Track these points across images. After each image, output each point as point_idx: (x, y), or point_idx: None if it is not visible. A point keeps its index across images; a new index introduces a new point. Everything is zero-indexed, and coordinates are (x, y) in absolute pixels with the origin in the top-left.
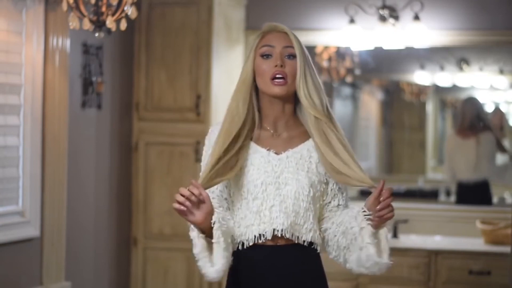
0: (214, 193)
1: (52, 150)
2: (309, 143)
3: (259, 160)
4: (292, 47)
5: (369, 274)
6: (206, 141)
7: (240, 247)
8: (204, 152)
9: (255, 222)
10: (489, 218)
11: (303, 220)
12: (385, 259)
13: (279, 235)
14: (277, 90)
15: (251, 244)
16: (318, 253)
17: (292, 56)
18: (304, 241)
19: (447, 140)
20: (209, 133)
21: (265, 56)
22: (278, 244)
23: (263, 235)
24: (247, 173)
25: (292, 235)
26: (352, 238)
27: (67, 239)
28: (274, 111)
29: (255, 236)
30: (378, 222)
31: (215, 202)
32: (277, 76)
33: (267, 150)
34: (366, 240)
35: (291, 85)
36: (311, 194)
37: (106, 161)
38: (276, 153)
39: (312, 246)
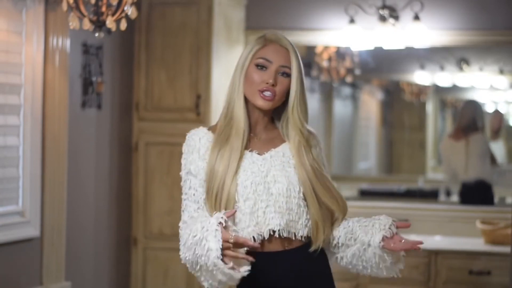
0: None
1: (52, 150)
2: (288, 145)
3: (243, 162)
4: (289, 67)
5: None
6: (185, 148)
7: None
8: (183, 161)
9: (250, 223)
10: (489, 218)
11: (297, 216)
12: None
13: (277, 236)
14: (261, 103)
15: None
16: (323, 250)
17: (286, 75)
18: (302, 237)
19: (442, 143)
20: (188, 140)
21: (260, 67)
22: (278, 250)
23: (261, 235)
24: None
25: (289, 233)
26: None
27: (67, 239)
28: (255, 117)
29: (253, 238)
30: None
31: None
32: (265, 93)
33: (250, 151)
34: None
35: (277, 102)
36: (302, 190)
37: (106, 161)
38: (259, 154)
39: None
